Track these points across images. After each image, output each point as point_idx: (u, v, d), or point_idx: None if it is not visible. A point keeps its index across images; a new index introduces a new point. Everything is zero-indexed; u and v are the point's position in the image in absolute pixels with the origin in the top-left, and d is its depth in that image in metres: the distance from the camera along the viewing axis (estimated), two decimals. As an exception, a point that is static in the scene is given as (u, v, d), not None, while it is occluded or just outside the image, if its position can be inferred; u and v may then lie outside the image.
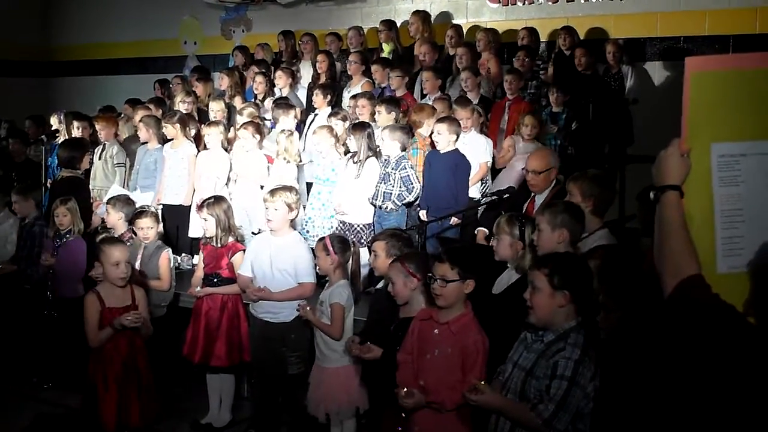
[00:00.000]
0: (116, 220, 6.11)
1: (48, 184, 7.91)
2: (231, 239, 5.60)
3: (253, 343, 5.41)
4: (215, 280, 5.56)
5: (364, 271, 5.59)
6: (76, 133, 8.34)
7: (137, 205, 6.36)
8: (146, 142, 7.89)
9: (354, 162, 6.59)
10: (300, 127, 8.02)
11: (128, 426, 4.67)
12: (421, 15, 9.17)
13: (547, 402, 3.12)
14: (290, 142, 7.11)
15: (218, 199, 5.72)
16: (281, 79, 8.79)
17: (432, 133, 6.51)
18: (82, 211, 6.54)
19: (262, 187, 6.91)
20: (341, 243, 5.07)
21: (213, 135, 7.40)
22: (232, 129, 7.97)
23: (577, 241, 3.99)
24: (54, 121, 9.27)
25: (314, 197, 6.90)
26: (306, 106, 8.80)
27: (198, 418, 5.73)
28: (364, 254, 5.68)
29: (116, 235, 6.09)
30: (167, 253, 5.88)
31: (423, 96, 8.03)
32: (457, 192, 6.32)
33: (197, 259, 6.26)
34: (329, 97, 8.11)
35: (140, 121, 7.96)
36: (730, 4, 8.20)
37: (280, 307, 5.20)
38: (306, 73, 9.42)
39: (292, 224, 5.45)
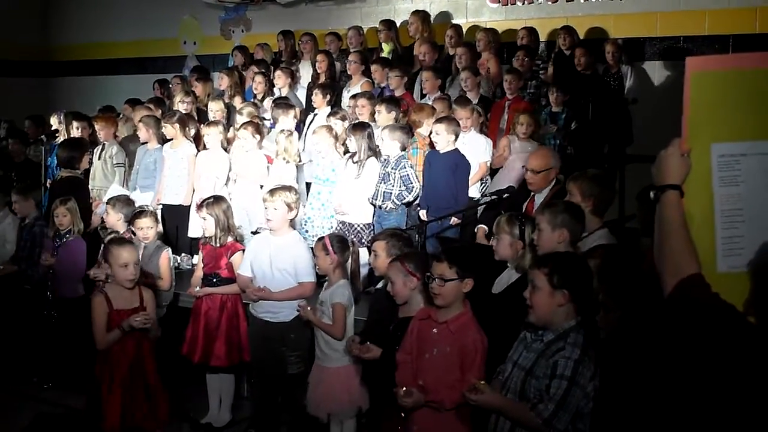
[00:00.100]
0: (116, 220, 6.11)
1: (47, 184, 7.91)
2: (230, 239, 5.60)
3: (252, 343, 5.41)
4: (214, 279, 5.57)
5: (363, 271, 5.60)
6: (76, 133, 8.34)
7: (137, 205, 6.36)
8: (146, 142, 7.89)
9: (354, 162, 6.59)
10: (299, 127, 8.02)
11: (133, 429, 4.59)
12: (421, 15, 9.16)
13: (547, 401, 3.13)
14: (290, 142, 7.11)
15: (217, 199, 5.72)
16: (280, 79, 8.79)
17: (431, 133, 6.51)
18: (81, 211, 6.54)
19: (261, 187, 6.90)
20: (340, 243, 5.07)
21: (212, 135, 7.40)
22: (231, 129, 7.97)
23: (577, 241, 3.99)
24: (54, 121, 9.27)
25: (314, 197, 6.90)
26: (305, 106, 8.80)
27: (198, 417, 5.73)
28: (364, 254, 5.68)
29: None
30: (167, 253, 5.88)
31: (423, 96, 8.03)
32: (456, 192, 6.32)
33: (197, 258, 6.26)
34: (329, 96, 8.11)
35: (140, 121, 7.96)
36: (729, 4, 8.20)
37: (279, 307, 5.20)
38: (305, 73, 9.42)
39: (292, 224, 5.45)
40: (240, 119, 7.80)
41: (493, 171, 7.07)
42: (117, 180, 7.93)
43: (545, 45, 8.89)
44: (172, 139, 7.67)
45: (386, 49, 9.21)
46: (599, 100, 7.60)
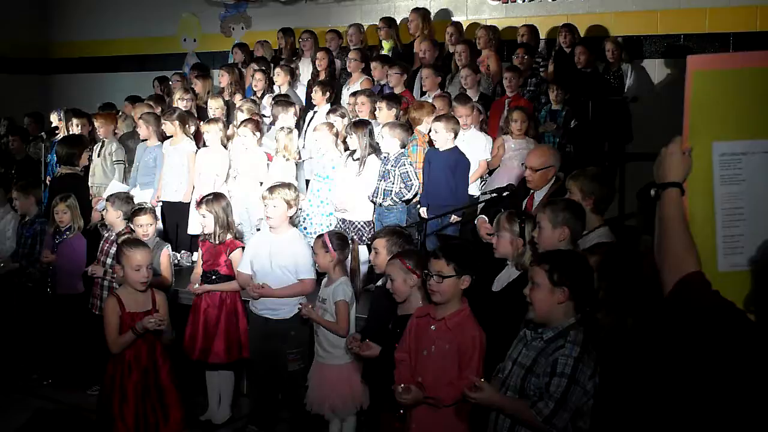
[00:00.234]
0: (115, 217, 6.10)
1: (47, 181, 7.91)
2: (229, 236, 5.60)
3: (252, 341, 5.41)
4: (213, 277, 5.56)
5: (364, 269, 5.60)
6: (75, 130, 8.35)
7: (136, 203, 6.36)
8: (146, 140, 7.89)
9: (354, 159, 6.58)
10: (299, 124, 8.02)
11: None
12: (421, 12, 9.15)
13: (547, 400, 3.12)
14: (289, 139, 7.11)
15: (217, 196, 5.72)
16: (280, 77, 8.78)
17: (430, 130, 6.50)
18: (81, 208, 6.54)
19: (261, 184, 6.90)
20: (340, 240, 5.07)
21: (212, 132, 7.40)
22: (231, 126, 7.97)
23: (577, 239, 3.99)
24: (54, 119, 9.27)
25: (313, 194, 6.90)
26: (305, 103, 8.80)
27: (197, 414, 5.73)
28: (365, 252, 5.68)
29: (115, 233, 6.10)
30: (167, 250, 5.88)
31: (422, 93, 8.03)
32: (456, 189, 6.32)
33: (196, 256, 6.26)
34: (328, 93, 8.10)
35: (140, 118, 7.97)
36: (730, 2, 8.18)
37: (279, 304, 5.20)
38: (306, 70, 9.42)
39: (292, 221, 5.45)
40: (240, 116, 7.80)
41: (491, 170, 7.06)
42: (117, 177, 7.93)
43: (545, 43, 8.88)
44: (171, 137, 7.67)
45: (386, 47, 9.20)
46: (599, 98, 7.59)
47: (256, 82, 8.94)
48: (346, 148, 6.88)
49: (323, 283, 5.08)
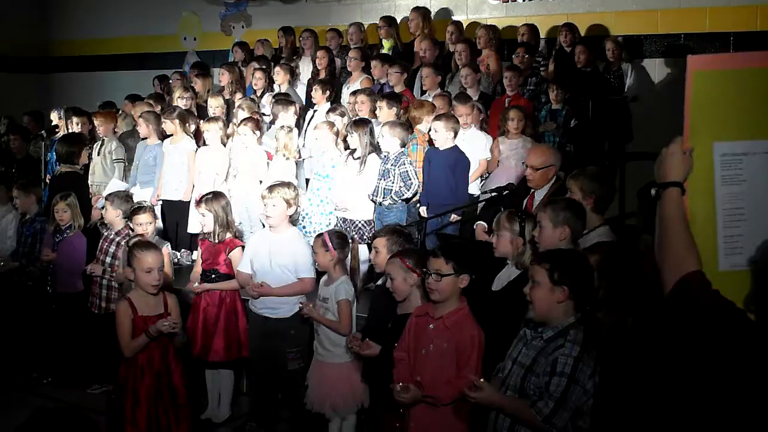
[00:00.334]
0: (114, 216, 6.11)
1: (47, 180, 7.91)
2: (229, 235, 5.59)
3: (252, 340, 5.41)
4: (213, 276, 5.56)
5: (364, 267, 5.60)
6: (75, 128, 8.34)
7: (135, 201, 6.36)
8: (146, 138, 7.89)
9: (355, 158, 6.58)
10: (299, 123, 8.01)
11: None
12: (421, 11, 9.15)
13: (547, 399, 3.12)
14: (289, 138, 7.11)
15: (216, 195, 5.71)
16: (279, 76, 8.78)
17: (430, 129, 6.50)
18: (81, 207, 6.53)
19: (261, 183, 6.90)
20: (340, 239, 5.06)
21: (212, 131, 7.41)
22: (231, 125, 7.97)
23: (578, 239, 3.99)
24: (54, 117, 9.27)
25: (313, 193, 6.90)
26: (305, 102, 8.80)
27: (197, 413, 5.73)
28: (365, 250, 5.67)
29: (114, 232, 6.10)
30: (167, 248, 5.87)
31: (423, 93, 8.03)
32: (456, 188, 6.32)
33: (196, 254, 6.26)
34: (328, 92, 8.10)
35: (140, 116, 7.97)
36: (730, 2, 8.18)
37: (279, 303, 5.20)
38: (306, 69, 9.41)
39: (291, 220, 5.45)
40: (240, 115, 7.79)
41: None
42: (116, 175, 7.93)
43: (545, 42, 8.88)
44: (171, 135, 7.67)
45: (387, 46, 9.20)
46: (599, 98, 7.59)
47: (256, 80, 8.93)
48: (346, 147, 6.88)
49: (323, 281, 5.08)
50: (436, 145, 6.39)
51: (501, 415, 3.29)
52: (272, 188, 5.28)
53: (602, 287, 3.44)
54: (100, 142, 8.20)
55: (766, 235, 2.25)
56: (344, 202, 6.54)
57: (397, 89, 7.86)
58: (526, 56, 8.08)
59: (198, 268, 5.72)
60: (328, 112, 7.49)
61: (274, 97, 8.12)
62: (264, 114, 8.18)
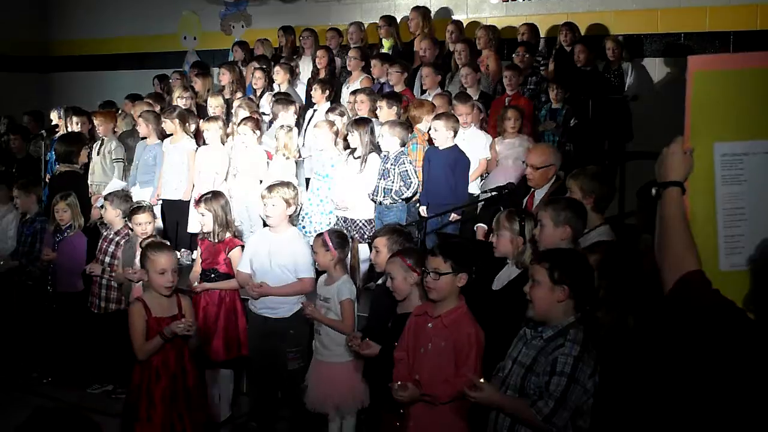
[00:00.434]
0: (113, 216, 6.11)
1: (47, 179, 7.91)
2: (228, 235, 5.59)
3: (252, 339, 5.41)
4: (213, 275, 5.56)
5: (364, 267, 5.59)
6: (74, 128, 8.34)
7: (135, 201, 6.36)
8: (145, 138, 7.89)
9: (355, 157, 6.58)
10: (299, 122, 8.01)
11: None
12: (421, 11, 9.15)
13: (547, 398, 3.12)
14: (289, 137, 7.10)
15: (216, 195, 5.71)
16: (280, 75, 8.77)
17: (430, 129, 6.50)
18: (80, 206, 6.54)
19: (261, 183, 6.90)
20: (340, 238, 5.06)
21: (212, 131, 7.40)
22: (231, 124, 7.96)
23: (579, 238, 3.99)
24: (54, 117, 9.26)
25: (312, 192, 6.90)
26: (305, 101, 8.79)
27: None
28: (366, 250, 5.67)
29: (114, 231, 6.10)
30: (167, 249, 5.87)
31: (422, 92, 8.03)
32: (456, 188, 6.32)
33: (196, 254, 6.25)
34: (328, 92, 8.10)
35: (139, 116, 7.96)
36: (730, 1, 8.18)
37: (279, 303, 5.20)
38: (306, 68, 9.41)
39: (291, 220, 5.45)
40: (241, 114, 7.79)
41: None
42: (116, 175, 7.93)
43: (545, 41, 8.88)
44: (171, 135, 7.67)
45: (386, 45, 9.20)
46: (599, 97, 7.59)
47: (256, 80, 8.93)
48: (346, 147, 6.87)
49: (323, 281, 5.07)
50: (435, 145, 6.39)
51: (501, 414, 3.29)
52: (272, 188, 5.28)
53: (602, 286, 3.44)
54: (99, 142, 8.20)
55: (766, 234, 2.25)
56: (344, 202, 6.54)
57: (397, 89, 7.85)
58: (526, 55, 8.08)
59: (197, 268, 5.72)
60: (327, 112, 7.48)
61: (274, 96, 8.12)
62: (264, 113, 8.17)
